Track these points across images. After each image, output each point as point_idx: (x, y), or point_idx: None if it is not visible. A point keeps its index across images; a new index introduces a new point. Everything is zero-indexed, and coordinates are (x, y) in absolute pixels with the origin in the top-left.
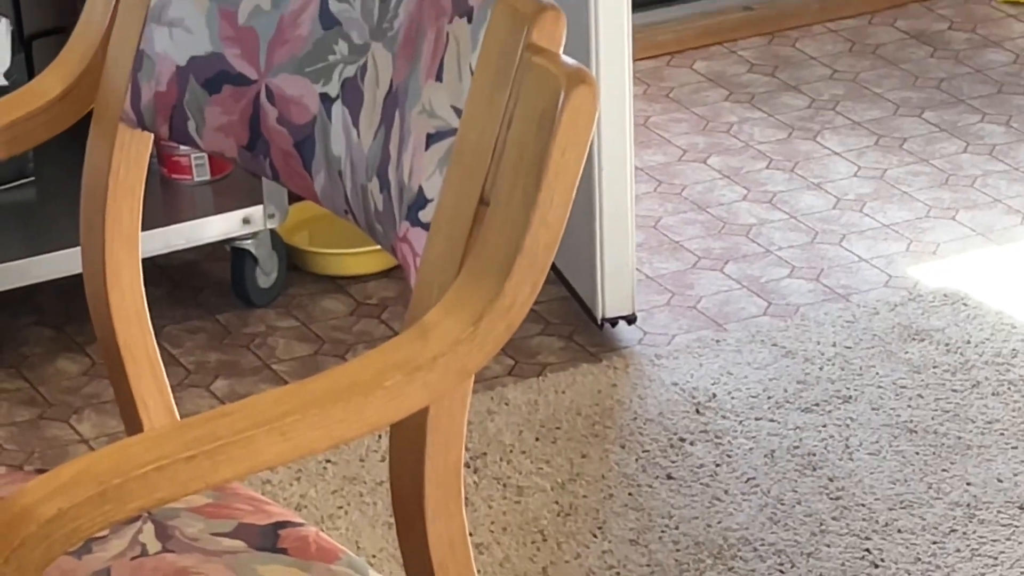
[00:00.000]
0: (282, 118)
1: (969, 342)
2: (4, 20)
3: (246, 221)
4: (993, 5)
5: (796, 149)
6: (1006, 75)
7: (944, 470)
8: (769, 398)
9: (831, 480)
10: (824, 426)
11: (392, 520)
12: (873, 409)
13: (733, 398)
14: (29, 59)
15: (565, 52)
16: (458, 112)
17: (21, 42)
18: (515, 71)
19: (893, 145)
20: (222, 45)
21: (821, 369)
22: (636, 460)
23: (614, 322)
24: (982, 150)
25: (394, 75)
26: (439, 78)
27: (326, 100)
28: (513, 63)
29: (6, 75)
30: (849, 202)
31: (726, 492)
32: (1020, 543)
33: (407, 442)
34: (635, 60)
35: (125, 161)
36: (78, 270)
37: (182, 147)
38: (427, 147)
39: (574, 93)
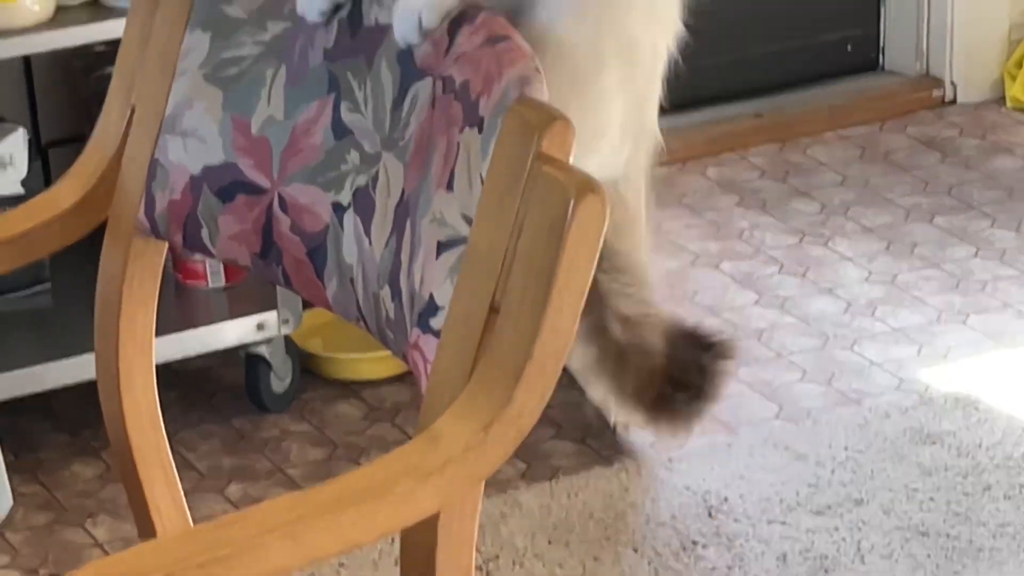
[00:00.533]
0: (295, 226)
1: (980, 446)
2: (21, 129)
3: (260, 327)
4: (1003, 112)
5: (807, 254)
6: (1016, 181)
7: (956, 573)
8: (781, 501)
9: None
10: (836, 529)
11: None
12: (884, 512)
13: (745, 501)
14: (46, 167)
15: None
16: (468, 221)
17: (38, 150)
18: (525, 180)
19: (904, 250)
20: (235, 155)
21: (833, 472)
22: (649, 564)
23: (627, 425)
24: (992, 255)
25: (405, 184)
26: (450, 187)
27: (338, 209)
28: (523, 172)
29: (23, 183)
30: (860, 307)
31: None
32: None
33: (418, 547)
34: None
35: (139, 270)
36: (94, 375)
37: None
38: (438, 255)
39: (583, 202)
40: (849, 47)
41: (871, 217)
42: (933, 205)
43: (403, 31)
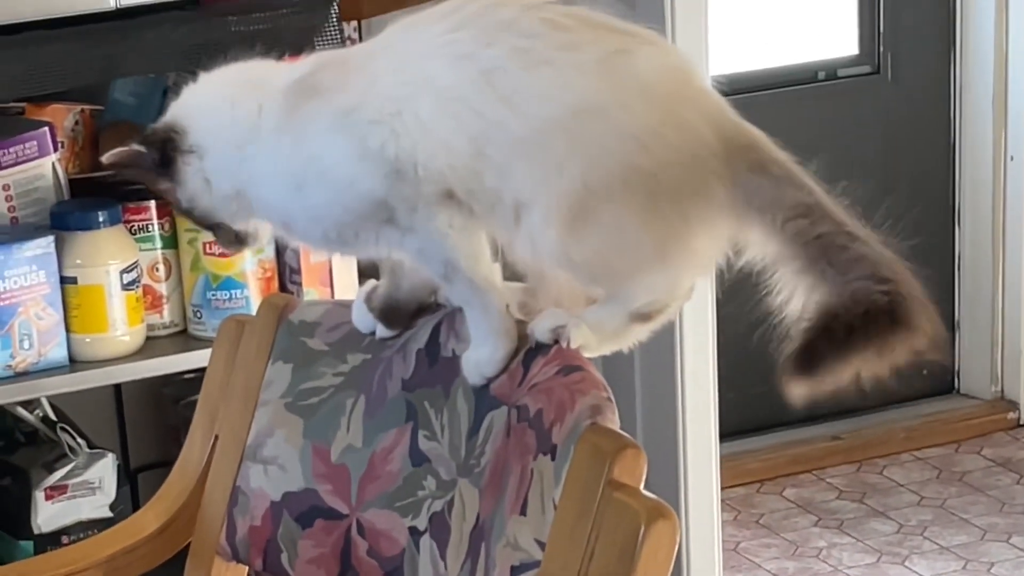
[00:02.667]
0: (372, 551)
1: None
2: (110, 455)
3: None
4: None
5: (885, 573)
6: None
7: None
8: None
9: None
10: None
11: None
12: None
13: None
14: (135, 491)
15: (653, 481)
16: (541, 545)
17: (127, 475)
18: (597, 506)
19: (981, 569)
20: (315, 481)
21: None
22: None
23: None
24: None
25: (480, 509)
26: (523, 512)
27: (415, 533)
28: (595, 498)
29: (111, 507)
30: None
31: None
32: None
33: None
34: (726, 487)
35: None
36: None
37: None
38: None
39: (653, 528)
40: (925, 371)
41: (948, 537)
42: (1010, 525)
43: (472, 377)
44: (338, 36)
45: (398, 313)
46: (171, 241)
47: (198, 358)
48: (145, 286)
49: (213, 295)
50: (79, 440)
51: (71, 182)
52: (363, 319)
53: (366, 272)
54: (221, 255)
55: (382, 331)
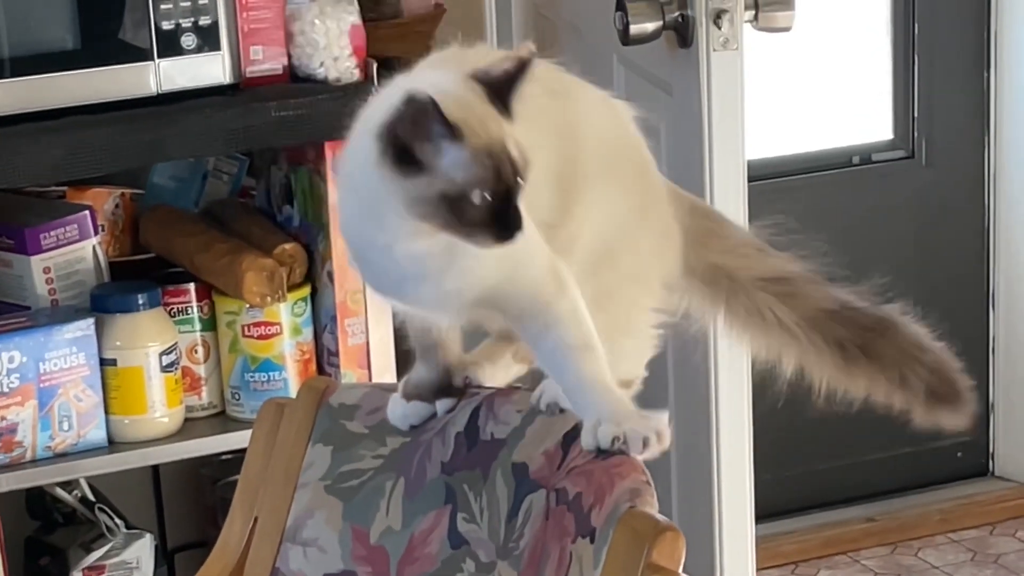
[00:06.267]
0: None
1: None
2: (148, 535)
3: None
4: None
5: None
6: None
7: None
8: None
9: None
10: None
11: None
12: None
13: None
14: (172, 571)
15: (690, 563)
16: None
17: (164, 555)
18: None
19: None
20: (354, 563)
21: None
22: None
23: None
24: None
25: None
26: None
27: None
28: None
29: None
30: None
31: None
32: None
33: None
34: (761, 569)
35: None
36: None
37: None
38: None
39: None
40: (959, 453)
41: None
42: None
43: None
44: None
45: (448, 387)
46: (210, 323)
47: (236, 439)
48: (184, 368)
49: (251, 377)
50: (117, 520)
51: (111, 265)
52: (400, 415)
53: (402, 355)
54: (260, 338)
55: (443, 406)
